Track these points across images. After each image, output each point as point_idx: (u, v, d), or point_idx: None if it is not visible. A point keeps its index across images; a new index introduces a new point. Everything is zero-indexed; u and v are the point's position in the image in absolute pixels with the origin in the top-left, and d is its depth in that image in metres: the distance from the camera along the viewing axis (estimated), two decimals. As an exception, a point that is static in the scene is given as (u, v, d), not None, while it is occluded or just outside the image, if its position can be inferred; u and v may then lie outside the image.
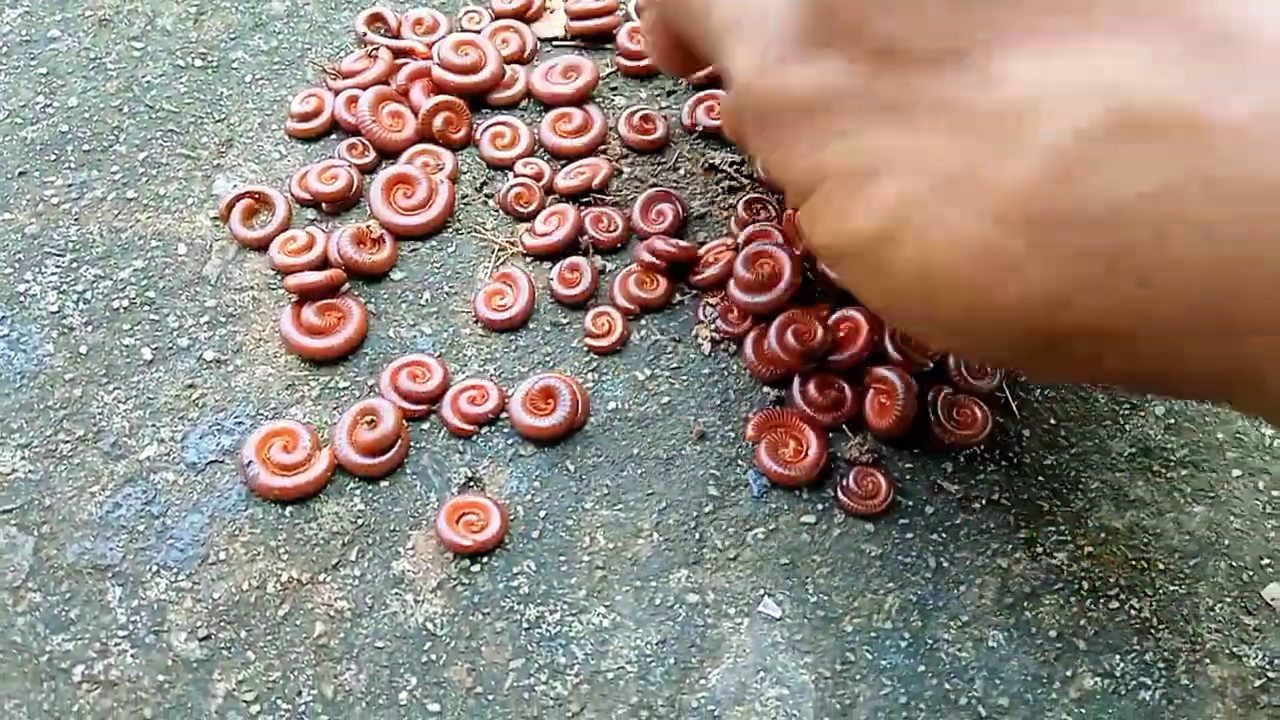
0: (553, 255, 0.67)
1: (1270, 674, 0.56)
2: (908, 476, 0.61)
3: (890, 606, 0.57)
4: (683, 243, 0.66)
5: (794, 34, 0.40)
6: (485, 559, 0.58)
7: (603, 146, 0.71)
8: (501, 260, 0.67)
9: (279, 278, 0.66)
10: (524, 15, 0.76)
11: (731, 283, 0.64)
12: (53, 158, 0.70)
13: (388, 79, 0.72)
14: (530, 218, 0.68)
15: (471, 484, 0.60)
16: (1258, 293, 0.30)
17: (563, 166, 0.70)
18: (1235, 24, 0.31)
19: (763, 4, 0.42)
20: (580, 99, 0.73)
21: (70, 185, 0.69)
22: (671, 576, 0.58)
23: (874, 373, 0.61)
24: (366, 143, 0.70)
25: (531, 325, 0.65)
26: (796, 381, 0.62)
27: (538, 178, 0.69)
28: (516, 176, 0.69)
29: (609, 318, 0.65)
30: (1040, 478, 0.61)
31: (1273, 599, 0.58)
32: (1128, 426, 0.62)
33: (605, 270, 0.67)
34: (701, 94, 0.74)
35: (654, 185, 0.70)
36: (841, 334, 0.62)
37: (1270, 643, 0.57)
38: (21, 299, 0.65)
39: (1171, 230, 0.31)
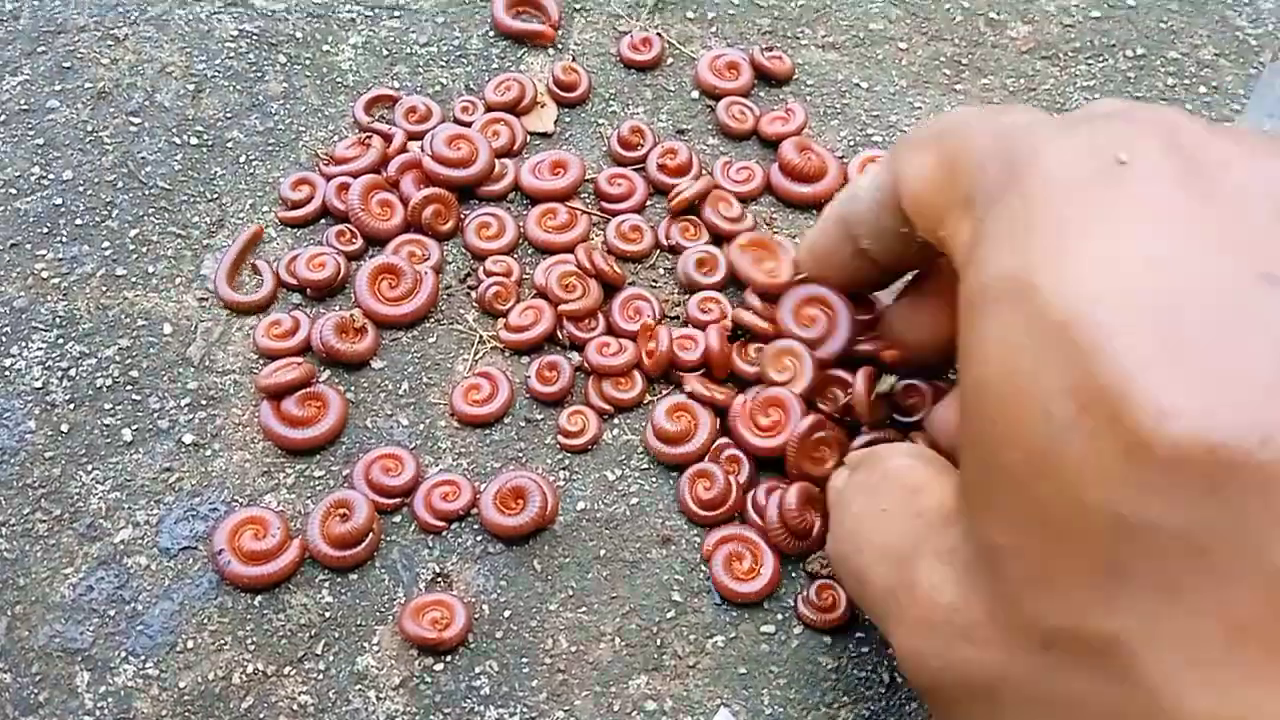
0: (530, 350, 0.69)
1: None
2: (866, 590, 0.62)
3: (842, 721, 0.59)
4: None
5: (965, 621, 0.40)
6: (448, 657, 0.59)
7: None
8: (480, 355, 0.69)
9: (261, 362, 0.67)
10: (515, 108, 0.78)
11: (650, 432, 0.65)
12: (45, 230, 0.71)
13: (379, 167, 0.74)
14: (508, 314, 0.70)
15: (439, 580, 0.61)
16: None
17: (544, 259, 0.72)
18: None
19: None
20: (567, 195, 0.74)
21: (61, 260, 0.70)
22: (631, 682, 0.59)
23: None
24: (355, 230, 0.72)
25: (506, 420, 0.67)
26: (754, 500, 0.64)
27: (508, 274, 0.71)
28: (491, 276, 0.70)
29: (583, 417, 0.66)
30: (994, 596, 0.62)
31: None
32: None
33: (582, 367, 0.69)
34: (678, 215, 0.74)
35: (632, 283, 0.72)
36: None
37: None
38: (6, 373, 0.66)
39: None
